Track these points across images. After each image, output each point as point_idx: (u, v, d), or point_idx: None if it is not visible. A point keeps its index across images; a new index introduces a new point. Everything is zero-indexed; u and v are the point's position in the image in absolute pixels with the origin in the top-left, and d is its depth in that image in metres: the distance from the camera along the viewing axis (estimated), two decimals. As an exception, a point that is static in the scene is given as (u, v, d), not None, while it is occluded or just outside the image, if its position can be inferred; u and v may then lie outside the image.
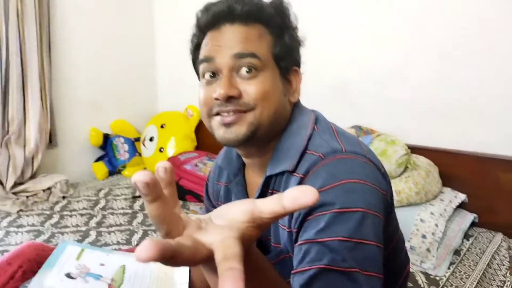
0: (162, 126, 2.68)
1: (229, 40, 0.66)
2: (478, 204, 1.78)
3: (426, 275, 1.45)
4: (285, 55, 0.70)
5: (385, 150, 1.76)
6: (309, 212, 0.60)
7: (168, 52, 2.89)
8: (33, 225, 1.90)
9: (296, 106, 0.74)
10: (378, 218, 0.59)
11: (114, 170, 2.62)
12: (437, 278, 1.43)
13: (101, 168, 2.56)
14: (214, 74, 0.68)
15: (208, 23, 0.70)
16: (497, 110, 1.77)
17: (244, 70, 0.66)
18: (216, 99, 0.66)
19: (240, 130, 0.66)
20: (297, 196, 0.33)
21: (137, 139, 2.76)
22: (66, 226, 1.89)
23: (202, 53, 0.70)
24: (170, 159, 2.39)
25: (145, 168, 2.70)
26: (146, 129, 2.74)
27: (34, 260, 0.91)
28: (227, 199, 0.84)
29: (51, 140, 2.38)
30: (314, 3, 2.18)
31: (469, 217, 1.74)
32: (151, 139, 2.67)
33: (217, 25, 0.68)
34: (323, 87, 2.13)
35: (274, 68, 0.69)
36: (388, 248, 0.69)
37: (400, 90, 2.01)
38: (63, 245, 0.89)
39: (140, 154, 2.72)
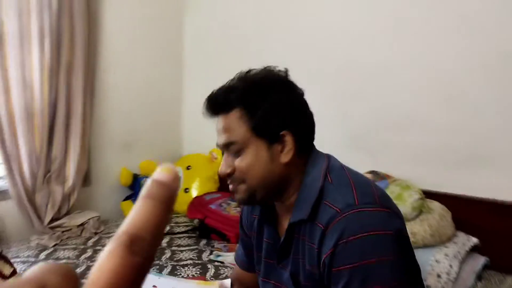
0: (188, 168, 2.85)
1: (219, 130, 0.86)
2: (490, 248, 1.87)
3: (443, 313, 1.53)
4: (264, 127, 0.81)
5: (401, 194, 1.89)
6: (331, 264, 0.73)
7: (194, 99, 3.12)
8: (69, 258, 2.03)
9: (310, 158, 0.86)
10: (393, 261, 0.71)
11: (141, 208, 2.76)
12: (453, 316, 1.51)
13: (130, 206, 2.71)
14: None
15: (207, 115, 0.88)
16: (509, 157, 1.90)
17: (232, 152, 0.84)
18: None
19: (239, 197, 0.86)
20: None
21: (163, 180, 2.92)
22: (100, 259, 2.01)
23: None
24: (196, 199, 2.53)
25: (170, 208, 2.84)
26: (172, 171, 2.91)
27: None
28: (260, 231, 0.98)
29: (86, 179, 2.56)
30: (328, 55, 2.39)
31: (481, 260, 1.82)
32: (177, 180, 2.82)
33: (212, 116, 0.87)
34: (344, 137, 2.30)
35: (257, 141, 0.81)
36: (412, 276, 0.80)
37: (414, 137, 2.16)
38: None
39: (165, 194, 2.86)
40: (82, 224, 2.39)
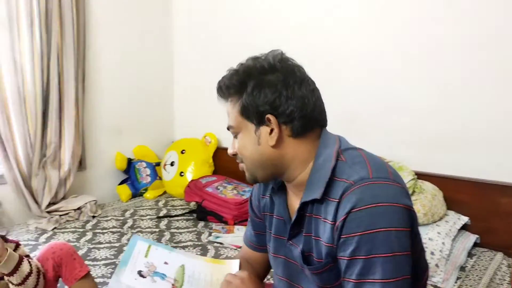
0: (182, 152, 2.86)
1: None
2: (479, 226, 1.96)
3: (436, 288, 1.61)
4: (250, 111, 0.84)
5: (395, 175, 1.95)
6: (341, 230, 0.77)
7: (186, 84, 3.11)
8: (69, 241, 2.04)
9: (321, 139, 0.88)
10: (401, 232, 0.75)
11: (137, 192, 2.78)
12: (446, 290, 1.59)
13: (125, 190, 2.73)
14: None
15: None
16: (492, 140, 1.98)
17: (234, 135, 0.91)
18: None
19: (246, 175, 0.92)
20: None
21: (158, 164, 2.93)
22: (100, 242, 2.04)
23: None
24: (192, 182, 2.56)
25: (165, 192, 2.87)
26: (167, 154, 2.92)
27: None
28: (272, 209, 1.01)
29: (81, 163, 2.56)
30: (325, 34, 2.41)
31: (472, 238, 1.91)
32: (172, 164, 2.84)
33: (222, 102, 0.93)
34: (335, 119, 2.33)
35: (247, 124, 0.85)
36: (417, 252, 0.85)
37: (404, 121, 2.22)
38: (134, 240, 1.04)
39: (160, 178, 2.88)
40: (79, 208, 2.39)
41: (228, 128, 0.91)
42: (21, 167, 2.22)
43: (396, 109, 2.25)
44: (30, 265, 1.11)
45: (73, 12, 2.36)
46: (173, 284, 0.97)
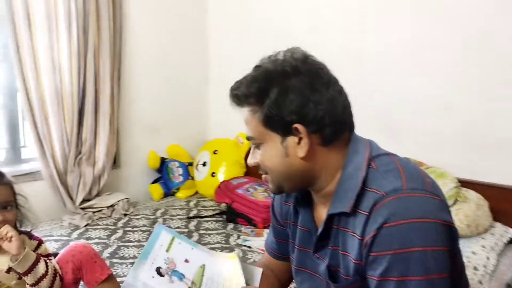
0: (214, 152, 2.84)
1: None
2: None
3: (478, 306, 1.48)
4: (272, 120, 0.76)
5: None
6: (371, 247, 0.69)
7: (220, 84, 3.08)
8: (100, 238, 2.07)
9: (351, 145, 0.80)
10: (439, 251, 0.66)
11: (169, 192, 2.79)
12: (490, 310, 1.46)
13: (158, 189, 2.74)
14: None
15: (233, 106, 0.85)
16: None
17: (254, 145, 0.83)
18: None
19: (270, 187, 0.84)
20: None
21: (190, 164, 2.93)
22: (129, 241, 2.05)
23: None
24: (223, 183, 2.53)
25: (197, 192, 2.86)
26: (199, 154, 2.92)
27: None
28: (295, 218, 0.94)
29: (115, 161, 2.60)
30: (360, 35, 2.31)
31: (521, 252, 1.75)
32: (204, 164, 2.83)
33: (237, 108, 0.84)
34: (370, 120, 2.23)
35: (271, 135, 0.78)
36: (457, 271, 0.75)
37: (448, 124, 2.07)
38: (159, 229, 1.00)
39: (192, 178, 2.88)
40: (112, 206, 2.43)
41: (248, 139, 0.83)
42: (57, 164, 2.28)
43: (438, 110, 2.10)
44: (47, 266, 1.10)
45: (109, 12, 2.39)
46: (189, 287, 0.94)
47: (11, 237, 1.02)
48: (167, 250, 0.97)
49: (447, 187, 1.81)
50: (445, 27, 2.05)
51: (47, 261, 1.12)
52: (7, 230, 1.02)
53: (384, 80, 2.24)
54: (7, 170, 2.19)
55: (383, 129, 2.21)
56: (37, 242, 1.17)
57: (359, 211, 0.73)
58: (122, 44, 2.56)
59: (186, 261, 0.98)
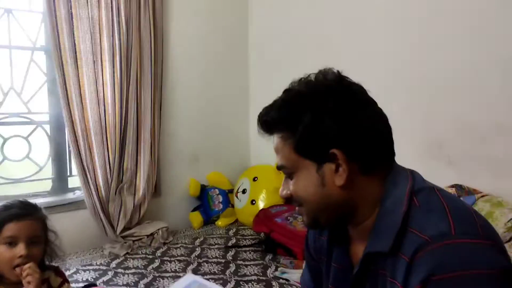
0: (254, 179, 2.79)
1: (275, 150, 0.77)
2: None
3: None
4: (306, 146, 0.71)
5: (491, 212, 1.64)
6: None
7: (260, 110, 3.06)
8: (137, 268, 2.07)
9: (391, 175, 0.72)
10: None
11: (209, 219, 2.77)
12: None
13: (197, 217, 2.73)
14: None
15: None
16: None
17: (286, 175, 0.76)
18: None
19: (304, 220, 0.77)
20: None
21: (231, 191, 2.90)
22: (166, 271, 2.03)
23: None
24: (262, 211, 2.46)
25: (237, 220, 2.81)
26: (239, 181, 2.88)
27: None
28: (329, 254, 0.86)
29: (156, 189, 2.62)
30: (407, 62, 2.20)
31: None
32: (243, 191, 2.79)
33: (266, 136, 0.77)
34: (422, 146, 2.09)
35: (305, 163, 0.71)
36: None
37: (506, 148, 1.89)
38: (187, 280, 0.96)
39: (233, 206, 2.84)
40: (151, 234, 2.43)
41: (278, 168, 0.76)
42: (100, 192, 2.33)
43: (494, 135, 1.92)
44: None
45: (151, 44, 2.47)
46: None
47: (30, 275, 1.01)
48: None
49: (505, 218, 1.62)
50: (494, 45, 1.90)
51: None
52: (28, 271, 1.02)
53: (434, 107, 2.11)
54: (54, 200, 2.33)
55: (433, 155, 2.07)
56: (61, 280, 1.15)
57: (400, 254, 0.65)
58: (164, 75, 2.63)
59: None
